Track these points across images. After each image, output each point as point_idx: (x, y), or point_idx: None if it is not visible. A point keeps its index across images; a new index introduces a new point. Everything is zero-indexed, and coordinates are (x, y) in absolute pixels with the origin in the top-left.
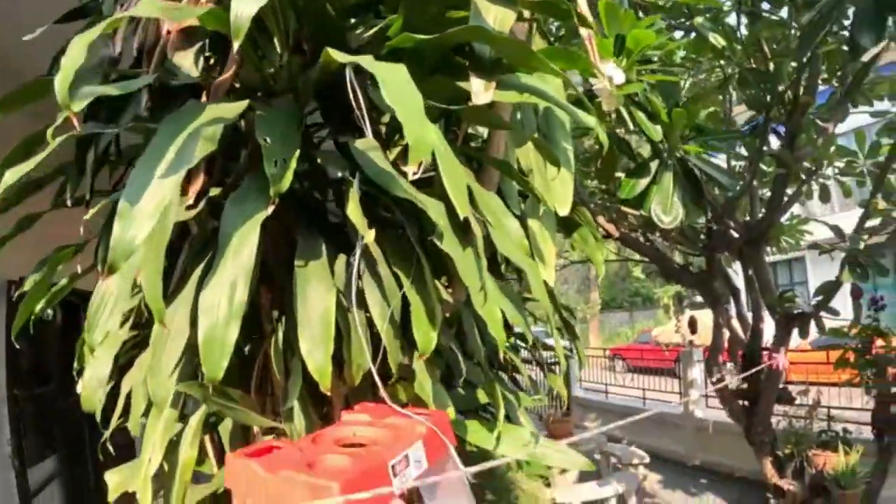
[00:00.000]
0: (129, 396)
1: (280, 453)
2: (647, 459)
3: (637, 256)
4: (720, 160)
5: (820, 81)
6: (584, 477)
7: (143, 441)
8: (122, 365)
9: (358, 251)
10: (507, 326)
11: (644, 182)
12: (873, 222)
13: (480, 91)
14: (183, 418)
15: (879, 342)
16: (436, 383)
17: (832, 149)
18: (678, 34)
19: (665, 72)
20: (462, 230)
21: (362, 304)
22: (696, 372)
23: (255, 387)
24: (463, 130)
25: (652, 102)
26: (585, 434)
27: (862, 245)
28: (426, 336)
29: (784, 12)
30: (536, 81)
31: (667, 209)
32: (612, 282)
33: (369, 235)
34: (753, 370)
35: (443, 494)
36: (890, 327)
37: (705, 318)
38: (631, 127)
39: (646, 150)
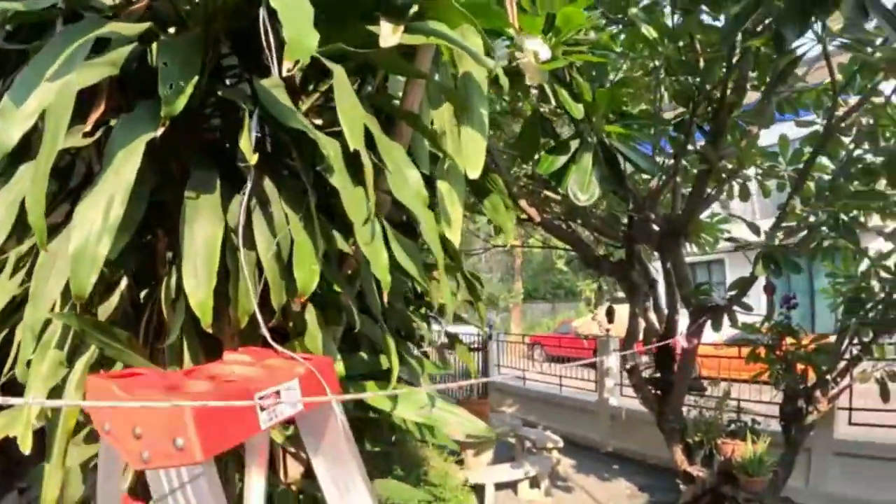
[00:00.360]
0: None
1: (142, 377)
2: (561, 444)
3: (561, 245)
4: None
5: (749, 87)
6: (497, 459)
7: (27, 384)
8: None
9: (248, 184)
10: (419, 296)
11: (563, 159)
12: (791, 224)
13: (388, 34)
14: (71, 365)
15: (790, 339)
16: (328, 338)
17: (754, 151)
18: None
19: (594, 54)
20: (356, 170)
21: (255, 245)
22: (612, 361)
23: (151, 335)
24: (378, 79)
25: (576, 81)
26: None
27: (776, 242)
28: (308, 274)
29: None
30: (454, 35)
31: (583, 187)
32: (536, 273)
33: (252, 159)
34: (662, 343)
35: (327, 450)
36: (801, 326)
37: (623, 310)
38: (553, 104)
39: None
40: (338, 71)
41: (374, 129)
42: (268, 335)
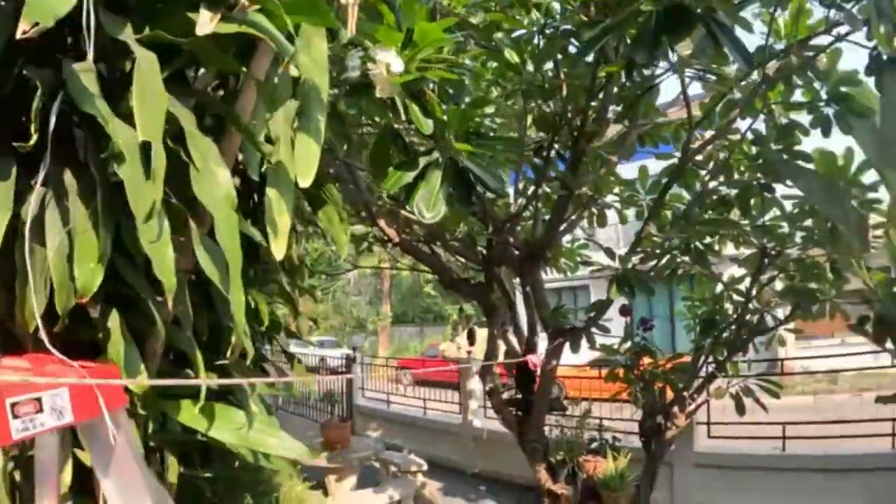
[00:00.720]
0: None
1: None
2: (425, 467)
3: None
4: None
5: (613, 119)
6: (362, 484)
7: None
8: None
9: (40, 174)
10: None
11: (411, 176)
12: (647, 249)
13: (206, 22)
14: None
15: (648, 359)
16: (131, 349)
17: (612, 179)
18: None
19: (452, 72)
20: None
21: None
22: (475, 383)
23: None
24: (208, 79)
25: (428, 97)
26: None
27: (631, 266)
28: (89, 274)
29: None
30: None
31: (430, 205)
32: (405, 296)
33: (31, 142)
34: (516, 361)
35: (116, 472)
36: (658, 347)
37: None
38: (403, 118)
39: None
40: (142, 54)
41: (187, 125)
42: (46, 338)
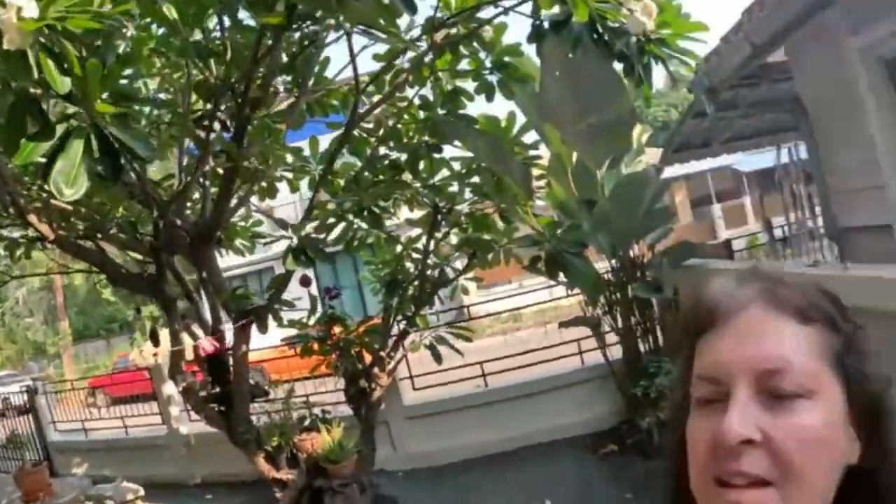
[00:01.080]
0: None
1: None
2: (142, 491)
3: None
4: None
5: (283, 90)
6: None
7: None
8: None
9: None
10: None
11: (46, 146)
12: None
13: None
14: None
15: (339, 328)
16: None
17: (279, 148)
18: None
19: (101, 24)
20: None
21: None
22: (171, 387)
23: None
24: None
25: (66, 50)
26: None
27: (305, 234)
28: None
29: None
30: None
31: (70, 180)
32: (83, 308)
33: None
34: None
35: None
36: (349, 313)
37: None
38: (35, 75)
39: None
40: None
41: None
42: None
